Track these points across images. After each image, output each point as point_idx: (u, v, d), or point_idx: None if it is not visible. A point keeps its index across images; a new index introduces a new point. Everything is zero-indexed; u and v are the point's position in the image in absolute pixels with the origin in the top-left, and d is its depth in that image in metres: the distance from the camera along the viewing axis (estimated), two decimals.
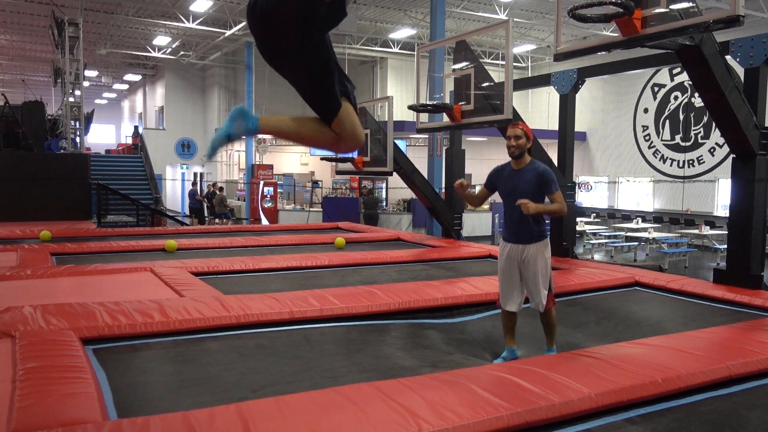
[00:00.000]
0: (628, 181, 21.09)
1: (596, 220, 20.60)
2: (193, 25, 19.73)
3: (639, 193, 20.79)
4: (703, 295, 5.53)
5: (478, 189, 4.73)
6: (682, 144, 18.89)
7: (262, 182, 20.18)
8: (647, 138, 20.15)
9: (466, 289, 5.37)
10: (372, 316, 4.74)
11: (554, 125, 8.84)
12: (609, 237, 16.62)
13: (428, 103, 8.80)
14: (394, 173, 9.87)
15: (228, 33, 20.32)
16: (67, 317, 4.01)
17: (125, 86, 35.77)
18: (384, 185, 20.36)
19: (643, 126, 20.31)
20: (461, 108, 7.70)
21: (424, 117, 9.85)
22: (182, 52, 24.86)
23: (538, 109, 23.79)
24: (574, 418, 2.81)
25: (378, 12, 19.49)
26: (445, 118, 8.12)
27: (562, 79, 8.03)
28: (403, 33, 21.36)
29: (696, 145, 18.53)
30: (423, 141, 20.48)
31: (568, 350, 3.70)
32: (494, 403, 2.74)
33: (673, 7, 4.47)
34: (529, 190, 4.04)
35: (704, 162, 18.25)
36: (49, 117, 16.88)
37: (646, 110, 20.14)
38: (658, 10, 4.52)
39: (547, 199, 4.15)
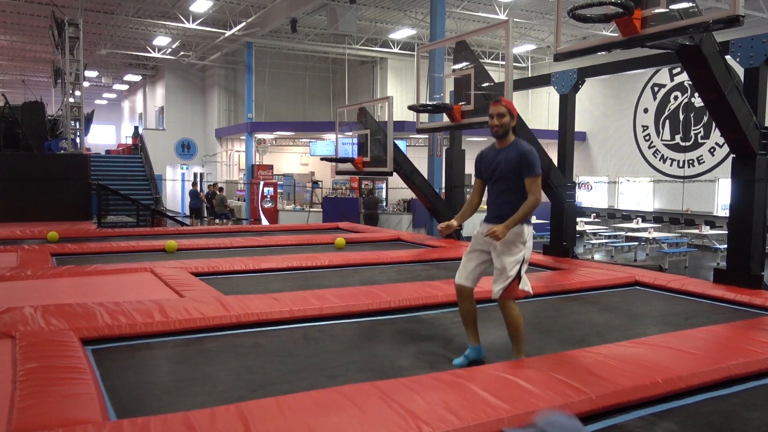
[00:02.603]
0: (628, 181, 21.09)
1: (596, 220, 20.59)
2: (193, 26, 19.72)
3: (639, 193, 20.79)
4: (704, 295, 5.53)
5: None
6: (682, 144, 18.89)
7: (262, 182, 20.17)
8: (647, 138, 20.14)
9: None
10: (372, 313, 4.76)
11: (554, 125, 8.83)
12: (609, 237, 16.62)
13: (428, 103, 8.81)
14: (394, 173, 9.87)
15: (228, 33, 20.32)
16: (67, 318, 4.01)
17: (125, 86, 35.77)
18: (384, 185, 20.34)
19: (643, 126, 20.30)
20: (461, 108, 7.71)
21: (424, 117, 9.85)
22: (182, 53, 24.85)
23: (538, 109, 23.78)
24: None
25: (378, 12, 19.48)
26: (445, 118, 8.12)
27: (562, 79, 8.02)
28: (403, 33, 21.35)
29: (696, 145, 18.52)
30: (423, 141, 20.48)
31: (567, 350, 3.69)
32: (495, 404, 2.74)
33: (673, 7, 4.47)
34: (509, 171, 3.75)
35: (704, 162, 18.24)
36: (49, 117, 16.86)
37: (646, 110, 20.14)
38: (658, 10, 4.52)
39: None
